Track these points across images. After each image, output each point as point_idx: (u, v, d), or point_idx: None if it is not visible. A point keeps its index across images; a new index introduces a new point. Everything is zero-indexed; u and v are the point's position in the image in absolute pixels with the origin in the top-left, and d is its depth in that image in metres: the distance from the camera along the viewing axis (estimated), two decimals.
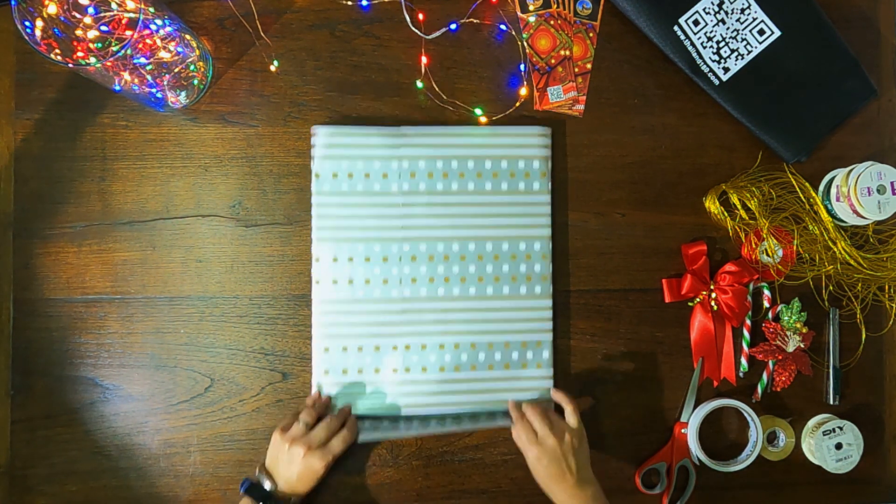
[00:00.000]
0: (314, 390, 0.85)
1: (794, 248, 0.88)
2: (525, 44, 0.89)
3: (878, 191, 0.84)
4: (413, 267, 0.85)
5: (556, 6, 0.89)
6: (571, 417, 0.81)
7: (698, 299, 0.89)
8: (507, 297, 0.86)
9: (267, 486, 0.78)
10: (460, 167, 0.86)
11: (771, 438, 0.90)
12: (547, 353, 0.86)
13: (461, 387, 0.85)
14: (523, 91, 0.89)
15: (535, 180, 0.86)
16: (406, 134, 0.85)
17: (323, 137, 0.85)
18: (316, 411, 0.82)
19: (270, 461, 0.80)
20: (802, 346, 0.88)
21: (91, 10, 0.76)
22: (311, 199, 0.85)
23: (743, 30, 0.87)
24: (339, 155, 0.85)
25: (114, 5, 0.78)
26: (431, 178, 0.85)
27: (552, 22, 0.89)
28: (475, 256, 0.86)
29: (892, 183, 0.84)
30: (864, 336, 0.91)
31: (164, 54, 0.76)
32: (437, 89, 0.88)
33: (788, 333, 0.88)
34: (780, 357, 0.88)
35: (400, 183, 0.85)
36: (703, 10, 0.87)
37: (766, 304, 0.89)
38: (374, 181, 0.85)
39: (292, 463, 0.78)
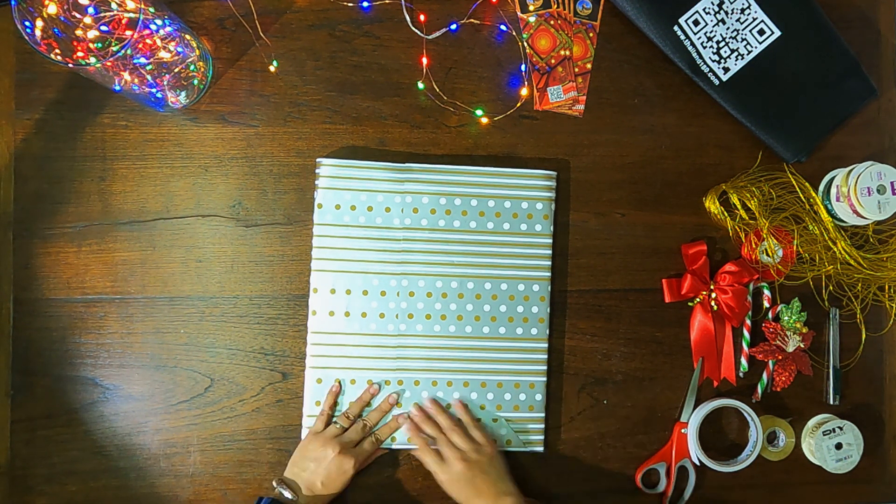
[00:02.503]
0: (305, 423, 0.84)
1: (794, 248, 0.88)
2: (525, 44, 0.89)
3: (878, 191, 0.84)
4: (410, 302, 0.85)
5: (556, 6, 0.89)
6: (475, 432, 0.82)
7: (698, 299, 0.89)
8: (502, 337, 0.86)
9: (288, 495, 0.78)
10: (463, 205, 0.86)
11: (771, 438, 0.90)
12: (540, 396, 0.86)
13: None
14: (524, 91, 0.89)
15: (538, 222, 0.86)
16: (411, 170, 0.85)
17: (328, 169, 0.85)
18: (352, 417, 0.83)
19: (294, 465, 0.81)
20: (802, 346, 0.88)
21: (91, 10, 0.76)
22: (313, 229, 0.85)
23: (743, 30, 0.87)
24: (342, 187, 0.85)
25: (114, 5, 0.78)
26: (434, 214, 0.85)
27: (552, 22, 0.89)
28: (473, 295, 0.86)
29: (892, 183, 0.84)
30: (864, 336, 0.91)
31: (164, 54, 0.76)
32: (437, 90, 0.88)
33: (788, 333, 0.88)
34: (780, 357, 0.88)
35: (402, 218, 0.85)
36: (703, 10, 0.87)
37: (766, 304, 0.89)
38: (377, 215, 0.85)
39: (322, 463, 0.79)
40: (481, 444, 0.81)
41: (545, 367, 0.86)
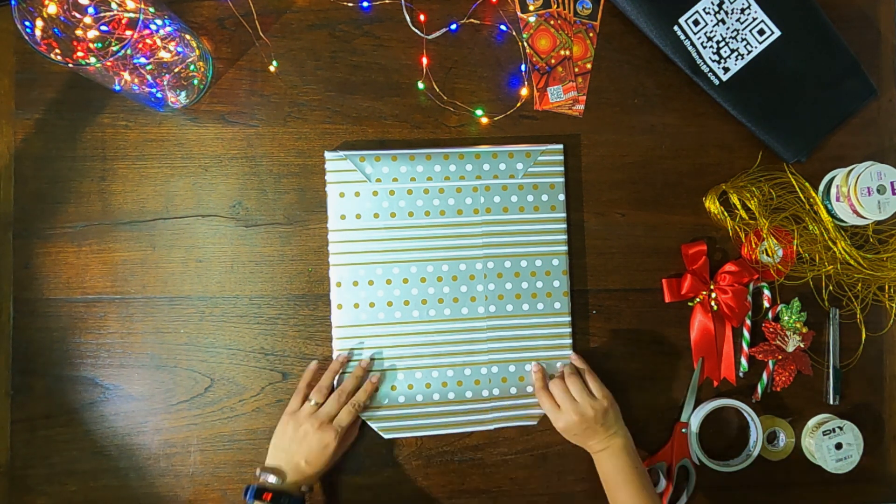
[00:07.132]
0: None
1: (794, 248, 0.88)
2: (525, 44, 0.89)
3: (878, 191, 0.84)
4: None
5: (556, 6, 0.89)
6: (593, 384, 0.83)
7: (698, 299, 0.89)
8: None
9: (273, 479, 0.77)
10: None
11: (771, 438, 0.90)
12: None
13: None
14: (524, 91, 0.89)
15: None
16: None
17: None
18: (325, 390, 0.82)
19: (275, 449, 0.79)
20: (802, 346, 0.88)
21: (91, 10, 0.76)
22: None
23: (743, 30, 0.87)
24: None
25: (114, 5, 0.78)
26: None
27: (552, 22, 0.89)
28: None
29: (892, 183, 0.84)
30: (864, 336, 0.91)
31: (164, 54, 0.76)
32: (437, 90, 0.88)
33: (788, 333, 0.88)
34: (780, 357, 0.88)
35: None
36: (703, 10, 0.87)
37: (766, 304, 0.89)
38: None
39: (303, 441, 0.78)
40: (597, 397, 0.82)
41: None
